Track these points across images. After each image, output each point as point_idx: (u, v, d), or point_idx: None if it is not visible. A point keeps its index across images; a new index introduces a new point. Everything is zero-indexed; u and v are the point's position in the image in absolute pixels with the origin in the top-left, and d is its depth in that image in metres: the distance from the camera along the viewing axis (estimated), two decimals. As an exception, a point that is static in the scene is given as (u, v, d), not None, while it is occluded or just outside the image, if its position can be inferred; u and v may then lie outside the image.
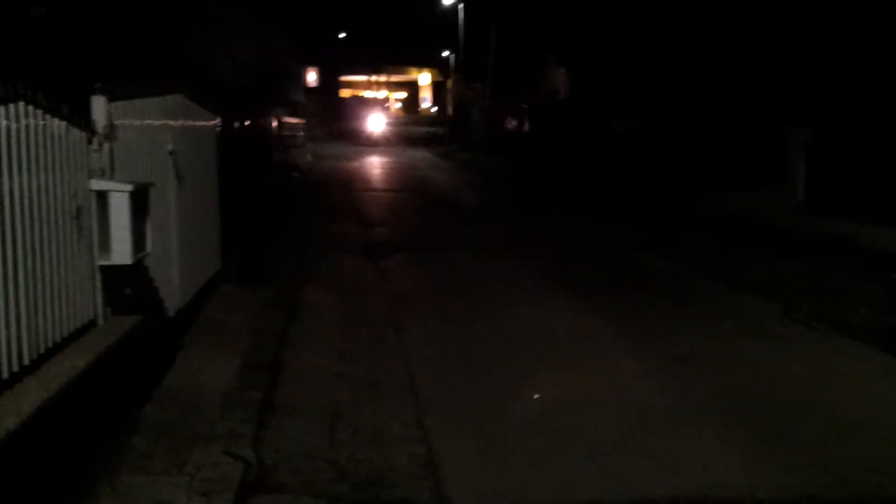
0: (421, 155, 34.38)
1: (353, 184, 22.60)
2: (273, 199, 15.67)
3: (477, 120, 40.68)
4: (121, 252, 4.77)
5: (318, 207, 16.84)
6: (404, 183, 23.35)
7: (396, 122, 53.79)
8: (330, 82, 54.67)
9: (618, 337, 7.37)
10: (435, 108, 68.51)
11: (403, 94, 74.87)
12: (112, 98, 4.90)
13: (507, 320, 7.96)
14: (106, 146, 4.86)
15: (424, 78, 71.89)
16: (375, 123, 47.14)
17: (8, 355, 3.68)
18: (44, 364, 3.98)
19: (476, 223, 15.29)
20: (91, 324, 4.66)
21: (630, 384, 6.10)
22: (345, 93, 62.18)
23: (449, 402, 5.74)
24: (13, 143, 3.82)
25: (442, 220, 15.71)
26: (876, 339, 7.08)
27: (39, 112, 4.09)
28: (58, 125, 4.32)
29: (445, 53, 59.64)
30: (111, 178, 4.89)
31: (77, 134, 4.57)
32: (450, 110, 56.73)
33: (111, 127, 4.89)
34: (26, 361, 3.84)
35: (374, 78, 70.26)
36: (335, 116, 48.86)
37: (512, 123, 35.04)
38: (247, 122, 13.87)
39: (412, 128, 51.38)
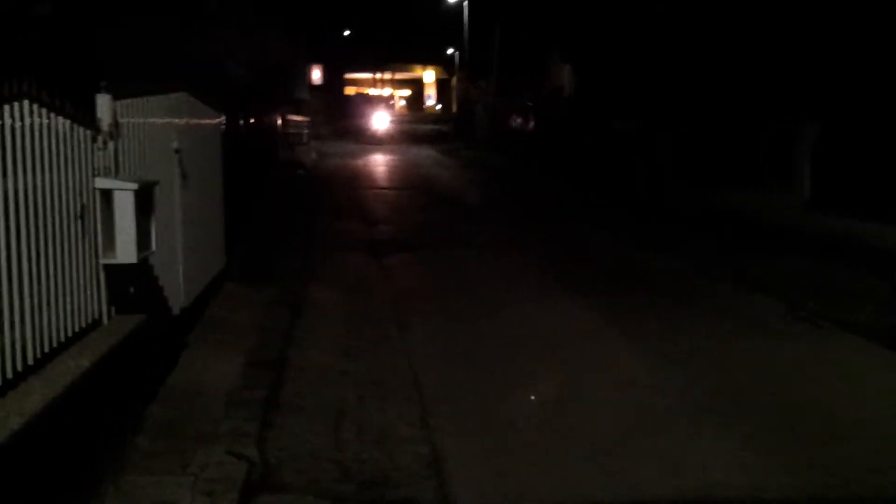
0: (425, 153, 34.37)
1: (358, 181, 22.60)
2: (278, 196, 15.68)
3: (481, 117, 40.65)
4: (125, 251, 4.77)
5: (323, 205, 16.85)
6: (408, 181, 23.34)
7: (401, 120, 53.80)
8: (334, 80, 54.69)
9: (619, 336, 7.36)
10: (439, 106, 68.49)
11: (408, 92, 74.86)
12: (117, 96, 4.90)
13: (510, 318, 7.96)
14: (111, 144, 4.85)
15: (429, 75, 71.87)
16: (380, 121, 47.18)
17: (12, 355, 3.67)
18: (48, 363, 3.97)
19: (480, 221, 15.29)
20: (95, 323, 4.66)
21: (631, 384, 6.10)
22: (349, 90, 62.23)
23: (453, 401, 5.74)
24: (18, 141, 3.81)
25: (446, 218, 15.71)
26: (882, 337, 7.05)
27: (44, 110, 4.09)
28: (62, 123, 4.31)
29: (450, 51, 59.59)
30: (116, 176, 4.88)
31: (82, 132, 4.57)
32: (454, 108, 56.70)
33: (116, 125, 4.89)
34: (31, 361, 3.84)
35: (378, 75, 70.27)
36: (340, 114, 48.88)
37: (516, 121, 35.03)
38: (251, 120, 13.88)
39: (416, 125, 51.37)
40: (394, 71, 70.46)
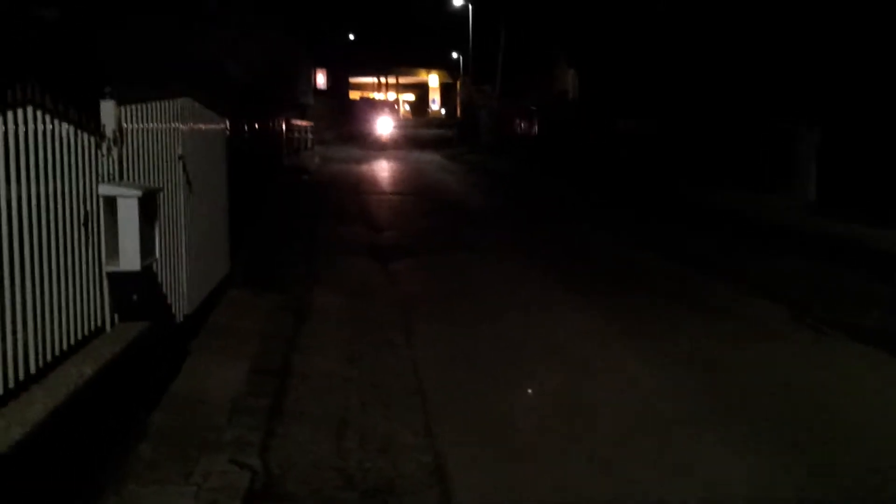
0: (429, 157, 34.36)
1: (362, 186, 22.59)
2: (282, 201, 15.68)
3: (485, 122, 40.70)
4: (129, 258, 4.75)
5: (327, 210, 16.84)
6: (412, 186, 23.34)
7: (405, 125, 53.84)
8: (339, 84, 54.81)
9: (620, 337, 7.37)
10: (444, 110, 68.54)
11: (412, 96, 74.92)
12: (121, 102, 4.88)
13: (513, 322, 7.96)
14: (115, 151, 4.84)
15: (433, 80, 71.91)
16: (384, 126, 47.20)
17: (14, 363, 3.65)
18: (51, 372, 3.95)
19: (483, 225, 15.28)
20: (99, 330, 4.64)
21: (632, 385, 6.10)
22: (354, 94, 62.25)
23: (456, 406, 5.72)
24: (21, 148, 3.80)
25: (450, 223, 15.68)
26: (887, 342, 7.01)
27: (48, 117, 4.08)
28: (66, 130, 4.30)
29: (454, 55, 59.66)
30: (120, 183, 4.87)
31: (86, 139, 4.55)
32: (458, 112, 56.72)
33: (120, 131, 4.87)
34: (33, 370, 3.82)
35: (383, 80, 70.33)
36: (344, 119, 48.97)
37: (521, 125, 35.04)
38: (256, 125, 13.87)
39: (421, 130, 51.38)
40: (398, 75, 70.53)
